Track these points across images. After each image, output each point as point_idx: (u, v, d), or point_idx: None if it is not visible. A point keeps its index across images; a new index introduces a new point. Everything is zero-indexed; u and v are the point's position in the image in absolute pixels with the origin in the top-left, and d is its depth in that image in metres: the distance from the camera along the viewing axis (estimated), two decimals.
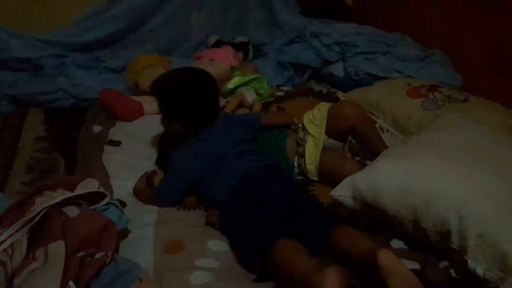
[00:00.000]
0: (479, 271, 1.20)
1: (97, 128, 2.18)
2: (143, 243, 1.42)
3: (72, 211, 1.30)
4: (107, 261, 1.25)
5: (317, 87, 2.70)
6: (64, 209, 1.30)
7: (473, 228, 1.21)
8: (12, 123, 2.36)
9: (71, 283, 1.08)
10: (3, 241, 1.13)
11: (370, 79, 2.48)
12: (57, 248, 1.16)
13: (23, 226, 1.19)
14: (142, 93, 2.42)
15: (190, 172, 1.63)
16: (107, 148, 2.03)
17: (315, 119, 1.83)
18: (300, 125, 1.88)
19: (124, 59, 2.66)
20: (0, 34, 2.44)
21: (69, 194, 1.32)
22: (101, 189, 1.41)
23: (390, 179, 1.35)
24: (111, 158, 1.94)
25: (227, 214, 1.49)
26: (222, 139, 1.68)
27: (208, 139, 1.68)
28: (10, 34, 2.48)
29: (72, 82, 2.51)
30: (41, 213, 1.22)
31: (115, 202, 1.43)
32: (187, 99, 1.68)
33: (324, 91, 2.65)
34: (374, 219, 1.45)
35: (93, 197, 1.41)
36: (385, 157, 1.47)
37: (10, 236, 1.15)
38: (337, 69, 2.62)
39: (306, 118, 1.86)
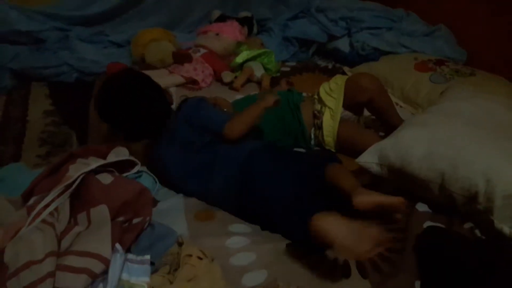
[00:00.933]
0: (506, 230, 1.27)
1: None
2: (174, 212, 1.44)
3: (105, 179, 1.30)
4: (145, 226, 1.26)
5: (322, 62, 2.73)
6: (97, 176, 1.30)
7: (500, 190, 1.27)
8: (17, 97, 2.32)
9: (117, 245, 1.10)
10: (47, 205, 1.13)
11: (376, 54, 2.52)
12: (100, 211, 1.17)
13: (63, 192, 1.19)
14: (149, 67, 2.41)
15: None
16: None
17: (332, 92, 1.85)
18: (316, 97, 1.90)
19: (127, 33, 2.63)
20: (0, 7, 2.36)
21: (102, 162, 1.32)
22: (132, 157, 1.41)
23: (418, 145, 1.39)
24: None
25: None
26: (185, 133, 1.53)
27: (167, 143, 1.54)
28: (11, 7, 2.40)
29: (76, 56, 2.47)
30: (79, 179, 1.22)
31: (145, 170, 1.43)
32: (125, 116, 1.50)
33: (330, 66, 2.67)
34: (398, 185, 1.49)
35: (124, 165, 1.41)
36: (409, 125, 1.52)
37: (53, 200, 1.15)
38: (343, 44, 2.65)
39: (322, 91, 1.87)
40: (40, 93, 2.36)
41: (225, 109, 1.84)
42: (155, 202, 1.46)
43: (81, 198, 1.22)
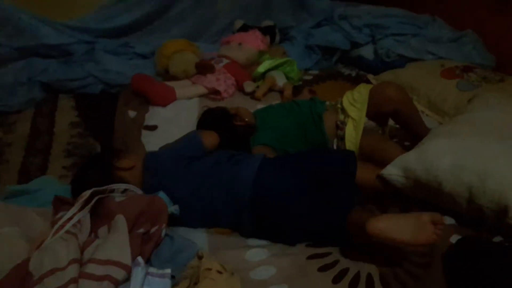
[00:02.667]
0: None
1: (132, 113, 2.20)
2: (193, 227, 1.44)
3: (120, 197, 1.34)
4: (162, 234, 1.27)
5: (345, 70, 2.70)
6: (112, 195, 1.33)
7: None
8: (45, 109, 2.38)
9: (139, 258, 1.10)
10: (71, 218, 1.15)
11: (401, 61, 2.47)
12: (117, 221, 1.18)
13: (82, 207, 1.22)
14: (173, 78, 2.44)
15: None
16: (144, 132, 2.05)
17: (355, 102, 1.81)
18: (339, 106, 1.87)
19: (152, 45, 2.66)
20: (30, 21, 2.43)
21: (115, 185, 1.36)
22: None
23: (444, 157, 1.35)
24: (149, 141, 1.96)
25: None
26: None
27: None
28: (40, 21, 2.47)
29: (102, 68, 2.51)
30: (96, 197, 1.24)
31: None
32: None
33: (353, 74, 2.64)
34: (424, 198, 1.45)
35: None
36: (435, 136, 1.47)
37: (75, 213, 1.17)
38: (367, 52, 2.61)
39: (346, 100, 1.84)
40: (67, 105, 2.41)
41: (246, 119, 1.84)
42: (174, 218, 1.47)
43: (100, 215, 1.25)
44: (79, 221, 1.18)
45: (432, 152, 1.38)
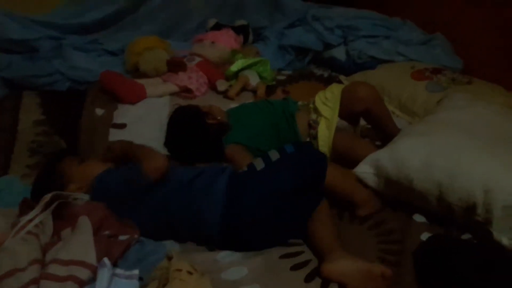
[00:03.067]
0: (505, 241, 1.24)
1: (99, 111, 2.13)
2: None
3: (81, 201, 1.29)
4: (133, 243, 1.23)
5: (318, 71, 2.71)
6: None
7: (499, 200, 1.24)
8: (8, 106, 2.27)
9: (105, 259, 1.06)
10: (32, 219, 1.10)
11: (373, 63, 2.50)
12: (81, 221, 1.14)
13: (43, 210, 1.16)
14: (143, 76, 2.39)
15: None
16: (112, 131, 1.99)
17: (328, 101, 1.82)
18: (312, 105, 1.87)
19: (122, 42, 2.59)
20: None
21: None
22: None
23: (415, 155, 1.36)
24: None
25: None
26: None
27: None
28: (5, 15, 2.37)
29: (69, 64, 2.43)
30: (57, 200, 1.19)
31: None
32: None
33: (326, 75, 2.65)
34: (395, 196, 1.46)
35: None
36: (406, 135, 1.49)
37: (36, 215, 1.12)
38: (339, 53, 2.63)
39: (318, 100, 1.84)
40: (32, 102, 2.31)
41: (219, 117, 1.81)
42: None
43: (63, 218, 1.20)
44: (41, 223, 1.13)
45: (403, 150, 1.39)
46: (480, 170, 1.29)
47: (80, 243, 1.07)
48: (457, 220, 1.35)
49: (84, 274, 1.01)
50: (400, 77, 2.26)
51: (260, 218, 1.30)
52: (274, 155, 1.40)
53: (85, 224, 1.13)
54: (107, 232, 1.20)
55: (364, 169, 1.44)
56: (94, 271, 1.04)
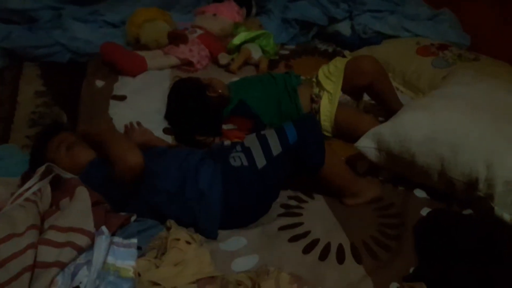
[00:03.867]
0: (506, 217, 1.23)
1: (99, 83, 2.10)
2: None
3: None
4: (132, 219, 1.22)
5: (322, 46, 2.66)
6: None
7: (501, 176, 1.23)
8: (8, 77, 2.25)
9: (103, 227, 1.05)
10: (30, 187, 1.09)
11: (378, 38, 2.45)
12: (79, 191, 1.13)
13: (41, 178, 1.15)
14: (144, 48, 2.35)
15: None
16: (112, 102, 1.97)
17: (331, 75, 1.79)
18: (314, 80, 1.84)
19: (123, 13, 2.54)
20: None
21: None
22: None
23: (418, 130, 1.35)
24: (117, 112, 1.88)
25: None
26: None
27: None
28: None
29: (69, 35, 2.39)
30: (53, 171, 1.18)
31: None
32: None
33: (330, 50, 2.60)
34: (395, 171, 1.45)
35: None
36: (410, 109, 1.46)
37: (35, 183, 1.11)
38: (344, 27, 2.58)
39: (321, 73, 1.81)
40: (32, 73, 2.29)
41: (220, 91, 1.79)
42: None
43: (61, 189, 1.18)
44: (39, 190, 1.11)
45: (406, 124, 1.37)
46: (483, 145, 1.28)
47: (79, 211, 1.06)
48: (458, 196, 1.34)
49: (82, 240, 1.01)
50: (405, 53, 2.22)
51: (259, 211, 1.33)
52: (275, 146, 1.28)
53: (83, 193, 1.12)
54: (105, 205, 1.20)
55: (366, 143, 1.42)
56: (93, 238, 1.03)
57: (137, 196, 1.27)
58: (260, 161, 1.27)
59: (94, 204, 1.16)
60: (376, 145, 1.41)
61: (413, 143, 1.34)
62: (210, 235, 1.25)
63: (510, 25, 2.23)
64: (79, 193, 1.14)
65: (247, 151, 1.30)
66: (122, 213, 1.23)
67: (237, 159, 1.29)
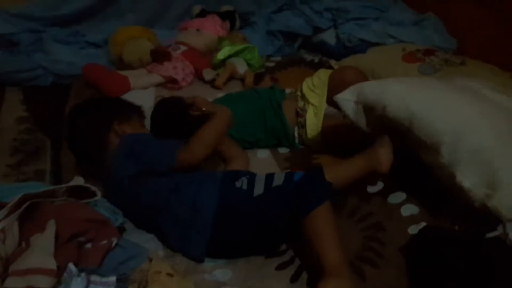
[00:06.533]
0: (466, 184, 1.21)
1: None
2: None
3: (59, 202, 1.22)
4: (112, 245, 1.18)
5: (308, 56, 2.64)
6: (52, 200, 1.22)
7: (467, 143, 1.23)
8: None
9: (71, 265, 1.01)
10: None
11: (363, 46, 2.43)
12: (49, 225, 1.07)
13: (9, 213, 1.09)
14: (127, 67, 2.32)
15: None
16: None
17: (315, 87, 1.77)
18: (299, 93, 1.82)
19: (105, 33, 2.51)
20: None
21: (52, 187, 1.24)
22: (88, 185, 1.30)
23: (397, 84, 1.40)
24: None
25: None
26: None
27: None
28: None
29: (51, 58, 2.36)
30: (27, 202, 1.12)
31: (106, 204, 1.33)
32: None
33: (316, 60, 2.58)
34: (368, 127, 1.47)
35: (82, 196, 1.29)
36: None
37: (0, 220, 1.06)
38: (329, 37, 2.56)
39: (305, 86, 1.80)
40: (14, 98, 2.25)
41: (203, 108, 1.76)
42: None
43: (34, 221, 1.11)
44: (2, 230, 1.04)
45: (389, 82, 1.44)
46: (455, 111, 1.29)
47: (39, 249, 1.00)
48: (423, 161, 1.36)
49: (44, 282, 0.94)
50: (391, 60, 2.19)
51: (249, 242, 1.25)
52: (278, 179, 1.26)
53: (51, 227, 1.06)
54: (82, 239, 1.14)
55: (346, 96, 1.45)
56: (55, 275, 0.96)
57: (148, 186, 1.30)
58: (258, 189, 1.26)
59: (72, 238, 1.11)
60: (355, 97, 1.44)
61: (389, 95, 1.36)
62: (198, 254, 1.23)
63: (497, 27, 2.20)
64: (47, 227, 1.08)
65: (251, 178, 1.31)
66: (103, 242, 1.18)
67: (240, 182, 1.30)
